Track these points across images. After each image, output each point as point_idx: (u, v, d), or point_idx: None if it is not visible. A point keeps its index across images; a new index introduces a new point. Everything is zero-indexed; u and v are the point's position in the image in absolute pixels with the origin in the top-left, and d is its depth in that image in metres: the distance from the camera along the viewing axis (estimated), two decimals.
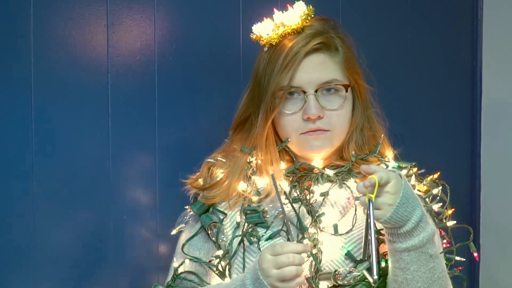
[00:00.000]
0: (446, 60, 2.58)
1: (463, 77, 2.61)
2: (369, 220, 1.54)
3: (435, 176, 1.81)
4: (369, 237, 1.56)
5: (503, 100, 2.56)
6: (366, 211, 1.59)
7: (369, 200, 1.54)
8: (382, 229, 1.66)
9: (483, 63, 2.60)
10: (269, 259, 1.59)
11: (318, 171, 1.77)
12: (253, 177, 1.78)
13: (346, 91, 1.76)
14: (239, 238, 1.74)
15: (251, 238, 1.73)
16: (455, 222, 1.80)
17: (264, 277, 1.59)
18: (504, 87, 2.56)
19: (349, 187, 1.75)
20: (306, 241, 1.68)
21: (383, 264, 1.68)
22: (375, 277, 1.53)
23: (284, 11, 1.77)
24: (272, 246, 1.61)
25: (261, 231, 1.73)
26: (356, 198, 1.71)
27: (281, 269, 1.58)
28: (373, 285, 1.61)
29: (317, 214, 1.72)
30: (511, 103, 2.54)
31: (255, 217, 1.74)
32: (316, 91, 1.74)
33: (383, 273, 1.67)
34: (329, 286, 1.66)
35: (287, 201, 1.74)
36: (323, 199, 1.73)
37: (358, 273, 1.66)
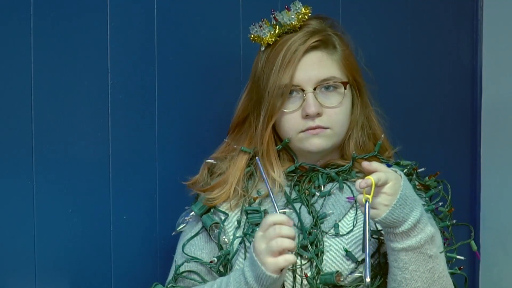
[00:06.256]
0: (446, 60, 2.58)
1: (463, 77, 2.61)
2: (364, 221, 1.54)
3: (436, 175, 1.82)
4: (365, 238, 1.55)
5: (503, 100, 2.56)
6: (362, 209, 1.60)
7: (366, 200, 1.54)
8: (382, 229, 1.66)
9: (483, 63, 2.60)
10: (259, 235, 1.58)
11: (319, 170, 1.77)
12: (253, 177, 1.78)
13: (345, 88, 1.76)
14: (240, 238, 1.74)
15: (252, 238, 1.72)
16: (455, 221, 1.80)
17: (256, 255, 1.57)
18: (504, 87, 2.56)
19: (350, 187, 1.75)
20: (307, 241, 1.68)
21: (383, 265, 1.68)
22: (368, 279, 1.52)
23: (281, 11, 1.78)
24: (261, 223, 1.60)
25: None
26: None
27: (269, 243, 1.55)
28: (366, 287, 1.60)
29: (318, 215, 1.72)
30: (511, 103, 2.55)
31: (256, 217, 1.74)
32: (314, 89, 1.74)
33: (384, 273, 1.68)
34: (330, 286, 1.66)
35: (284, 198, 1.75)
36: (324, 199, 1.73)
37: (359, 274, 1.66)
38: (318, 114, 1.74)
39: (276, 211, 1.64)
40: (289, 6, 1.78)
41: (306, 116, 1.73)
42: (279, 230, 1.56)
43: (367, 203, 1.54)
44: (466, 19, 2.60)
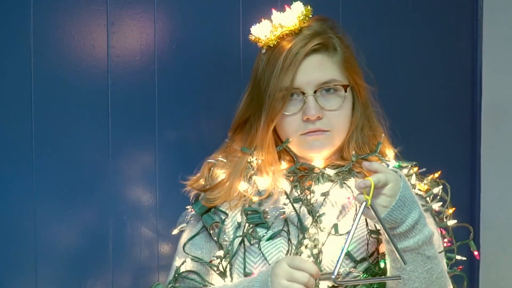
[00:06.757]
0: (446, 60, 2.58)
1: (463, 77, 2.61)
2: (354, 219, 1.55)
3: (436, 175, 1.82)
4: (349, 237, 1.55)
5: (503, 100, 2.56)
6: (356, 210, 1.60)
7: (363, 202, 1.54)
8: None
9: (483, 63, 2.60)
10: (284, 268, 1.57)
11: (319, 171, 1.77)
12: (253, 178, 1.78)
13: (345, 91, 1.76)
14: (240, 238, 1.74)
15: (252, 238, 1.73)
16: (455, 221, 1.80)
17: (272, 283, 1.57)
18: (504, 87, 2.56)
19: (349, 187, 1.75)
20: (307, 241, 1.68)
21: (382, 265, 1.68)
22: (333, 276, 1.53)
23: (282, 12, 1.77)
24: (293, 258, 1.60)
25: (261, 231, 1.73)
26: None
27: (291, 283, 1.55)
28: (335, 284, 1.59)
29: (317, 214, 1.71)
30: (511, 103, 2.55)
31: (256, 217, 1.74)
32: (315, 92, 1.73)
33: (383, 273, 1.68)
34: (329, 286, 1.65)
35: (287, 201, 1.75)
36: (324, 199, 1.73)
37: (358, 274, 1.66)
38: (319, 117, 1.73)
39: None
40: (289, 7, 1.78)
41: (307, 119, 1.73)
42: (307, 280, 1.55)
43: (363, 204, 1.54)
44: (466, 19, 2.60)
